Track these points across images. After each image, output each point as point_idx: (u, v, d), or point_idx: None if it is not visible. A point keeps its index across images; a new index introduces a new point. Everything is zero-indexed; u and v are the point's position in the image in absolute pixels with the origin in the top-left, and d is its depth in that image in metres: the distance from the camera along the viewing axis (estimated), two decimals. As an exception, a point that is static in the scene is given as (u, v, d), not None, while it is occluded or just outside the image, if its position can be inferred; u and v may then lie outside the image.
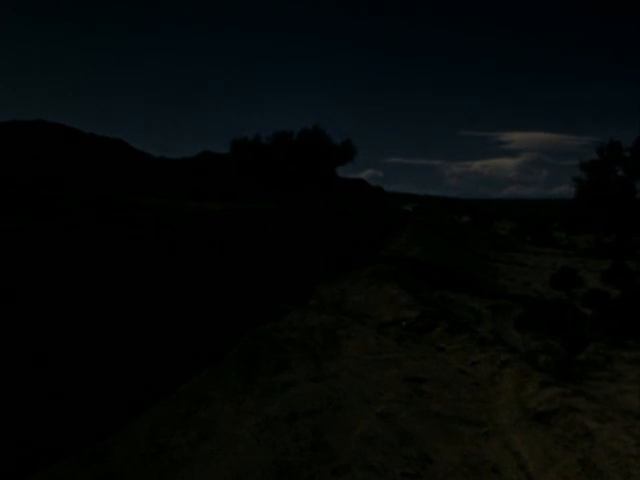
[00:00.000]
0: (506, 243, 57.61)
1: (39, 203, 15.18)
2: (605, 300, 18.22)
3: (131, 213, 15.87)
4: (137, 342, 9.37)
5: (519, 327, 15.30)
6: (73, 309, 9.63)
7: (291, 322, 12.13)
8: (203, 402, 7.63)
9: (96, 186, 29.81)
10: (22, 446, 6.04)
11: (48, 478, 5.62)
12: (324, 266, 19.92)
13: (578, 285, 24.35)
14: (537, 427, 7.02)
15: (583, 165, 52.03)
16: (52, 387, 7.37)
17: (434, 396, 8.26)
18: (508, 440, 6.88)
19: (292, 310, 13.15)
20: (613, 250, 44.04)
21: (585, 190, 52.02)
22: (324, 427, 6.97)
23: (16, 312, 8.72)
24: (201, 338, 10.23)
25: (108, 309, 10.21)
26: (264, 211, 24.54)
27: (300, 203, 31.72)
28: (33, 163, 35.59)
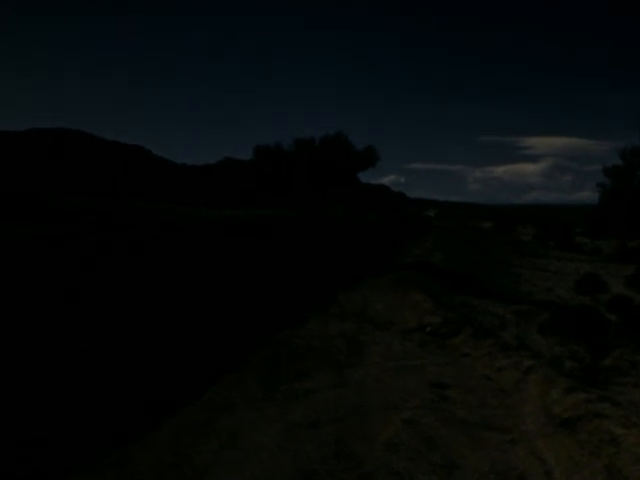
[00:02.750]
0: (528, 249, 57.33)
1: (47, 211, 15.30)
2: (629, 305, 18.06)
3: (138, 220, 15.92)
4: (158, 350, 9.38)
5: (543, 332, 15.19)
6: (86, 316, 9.66)
7: (312, 329, 12.11)
8: (225, 410, 7.62)
9: (112, 193, 30.00)
10: (40, 456, 6.03)
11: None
12: (346, 274, 19.87)
13: (602, 291, 24.14)
14: (563, 433, 6.94)
15: (606, 170, 51.55)
16: (72, 394, 7.38)
17: (459, 402, 8.20)
18: (534, 446, 6.80)
19: (313, 317, 13.13)
20: (637, 255, 43.57)
21: (608, 195, 51.53)
22: (348, 434, 6.92)
23: (27, 316, 8.77)
24: (222, 346, 10.23)
25: (125, 316, 10.24)
26: (283, 218, 24.56)
27: (319, 211, 31.67)
28: (50, 170, 35.93)
